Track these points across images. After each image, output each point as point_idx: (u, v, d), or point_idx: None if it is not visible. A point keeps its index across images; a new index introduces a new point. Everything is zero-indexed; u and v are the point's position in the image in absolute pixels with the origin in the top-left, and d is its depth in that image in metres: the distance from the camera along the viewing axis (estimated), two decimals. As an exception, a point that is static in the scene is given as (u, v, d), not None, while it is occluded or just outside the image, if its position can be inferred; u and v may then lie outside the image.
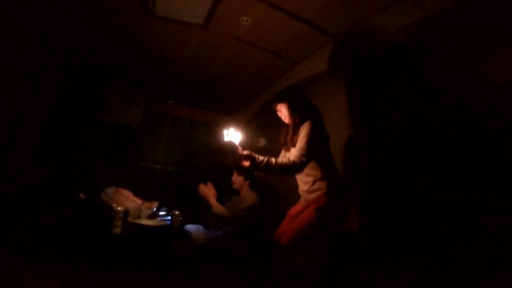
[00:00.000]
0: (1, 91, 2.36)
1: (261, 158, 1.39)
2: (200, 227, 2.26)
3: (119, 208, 1.65)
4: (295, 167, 1.38)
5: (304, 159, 1.38)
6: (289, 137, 1.56)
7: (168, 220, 2.09)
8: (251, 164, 1.37)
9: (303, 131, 1.46)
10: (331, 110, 2.00)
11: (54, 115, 3.16)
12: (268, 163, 1.37)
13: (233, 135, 1.48)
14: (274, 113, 1.72)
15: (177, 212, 2.01)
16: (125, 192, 2.00)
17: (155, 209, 2.08)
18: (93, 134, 3.47)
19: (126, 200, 1.92)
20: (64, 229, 1.56)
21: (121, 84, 3.43)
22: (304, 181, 1.53)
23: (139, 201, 1.97)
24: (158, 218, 2.10)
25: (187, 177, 3.70)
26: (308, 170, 1.47)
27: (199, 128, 4.18)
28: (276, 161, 1.39)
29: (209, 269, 1.77)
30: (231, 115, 4.07)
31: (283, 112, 1.64)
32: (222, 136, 1.49)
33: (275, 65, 2.67)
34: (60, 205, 1.85)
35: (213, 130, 4.11)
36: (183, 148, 4.03)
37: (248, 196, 2.30)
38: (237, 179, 2.40)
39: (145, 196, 2.13)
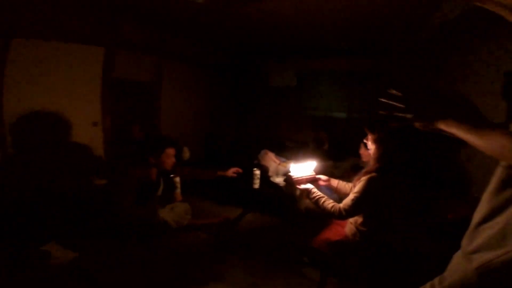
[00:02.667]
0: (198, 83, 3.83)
1: (315, 194, 1.55)
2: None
3: (255, 169, 2.38)
4: (336, 217, 1.48)
5: (344, 213, 1.43)
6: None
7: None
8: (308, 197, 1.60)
9: (358, 186, 1.44)
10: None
11: (236, 90, 4.52)
12: (317, 201, 1.53)
13: (297, 170, 1.68)
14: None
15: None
16: (270, 154, 2.82)
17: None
18: (266, 98, 4.59)
19: (270, 160, 2.74)
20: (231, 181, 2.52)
21: (278, 56, 4.15)
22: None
23: (277, 161, 2.72)
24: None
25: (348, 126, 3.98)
26: None
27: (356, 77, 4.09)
28: (324, 202, 1.51)
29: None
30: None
31: (369, 143, 1.55)
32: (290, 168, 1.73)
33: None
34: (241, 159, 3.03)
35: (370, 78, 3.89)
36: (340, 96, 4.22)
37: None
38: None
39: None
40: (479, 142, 0.59)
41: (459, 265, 0.71)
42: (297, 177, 1.64)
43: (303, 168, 1.71)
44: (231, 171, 2.38)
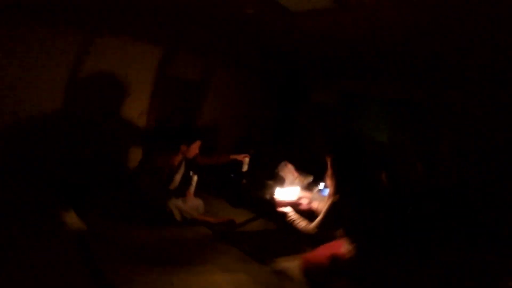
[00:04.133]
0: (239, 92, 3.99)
1: (290, 217, 1.80)
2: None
3: (269, 181, 2.52)
4: (309, 234, 1.67)
5: (316, 230, 1.63)
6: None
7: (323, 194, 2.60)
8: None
9: (326, 205, 1.61)
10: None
11: (278, 105, 4.60)
12: (292, 222, 1.77)
13: (282, 193, 1.98)
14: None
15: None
16: (290, 166, 2.78)
17: (309, 183, 2.66)
18: (306, 114, 4.55)
19: (288, 172, 2.71)
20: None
21: (321, 72, 4.12)
22: None
23: (296, 175, 2.66)
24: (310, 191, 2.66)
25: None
26: None
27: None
28: (298, 223, 1.74)
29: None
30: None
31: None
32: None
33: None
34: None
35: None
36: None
37: None
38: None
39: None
40: None
41: None
42: (280, 200, 1.93)
43: (288, 193, 2.02)
44: (243, 155, 2.80)
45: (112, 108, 2.92)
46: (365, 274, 1.58)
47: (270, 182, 2.49)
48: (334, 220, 1.60)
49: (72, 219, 1.95)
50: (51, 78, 2.45)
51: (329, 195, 1.68)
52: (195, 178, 2.59)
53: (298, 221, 1.75)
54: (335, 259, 1.57)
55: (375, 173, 2.12)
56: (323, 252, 1.70)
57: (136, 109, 3.07)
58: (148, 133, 3.13)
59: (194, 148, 2.44)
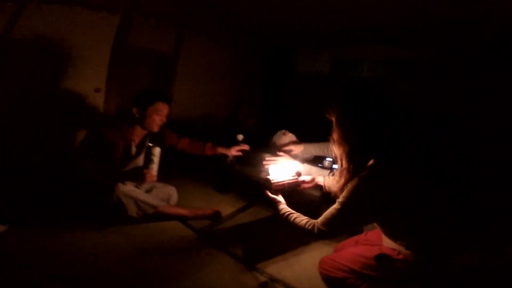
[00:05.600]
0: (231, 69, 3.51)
1: (284, 209, 1.23)
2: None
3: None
4: (314, 235, 1.07)
5: (325, 229, 1.05)
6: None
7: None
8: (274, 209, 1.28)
9: (345, 192, 1.01)
10: None
11: (266, 79, 4.15)
12: (287, 218, 1.18)
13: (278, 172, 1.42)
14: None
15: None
16: (290, 134, 2.36)
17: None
18: (293, 86, 4.14)
19: (289, 143, 2.28)
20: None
21: (308, 42, 3.73)
22: None
23: (300, 146, 2.23)
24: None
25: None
26: None
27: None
28: (295, 218, 1.15)
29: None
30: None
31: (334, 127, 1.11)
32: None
33: None
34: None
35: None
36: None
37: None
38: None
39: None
40: None
41: None
42: (277, 182, 1.36)
43: (285, 170, 1.47)
44: (235, 149, 2.09)
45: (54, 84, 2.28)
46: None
47: (265, 155, 1.85)
48: (358, 212, 1.00)
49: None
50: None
51: (342, 171, 1.07)
52: (157, 150, 1.65)
53: (294, 216, 1.17)
54: (371, 266, 1.06)
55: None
56: (351, 253, 1.19)
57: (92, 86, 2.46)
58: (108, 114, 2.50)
59: (155, 114, 1.68)
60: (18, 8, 1.95)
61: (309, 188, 1.56)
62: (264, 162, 1.78)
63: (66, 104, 2.28)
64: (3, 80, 1.96)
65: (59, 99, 2.25)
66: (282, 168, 1.52)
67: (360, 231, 1.45)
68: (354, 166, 1.01)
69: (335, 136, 1.08)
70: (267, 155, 1.88)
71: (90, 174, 1.56)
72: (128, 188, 1.61)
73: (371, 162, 1.00)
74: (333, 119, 1.09)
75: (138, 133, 1.77)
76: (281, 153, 1.90)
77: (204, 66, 3.40)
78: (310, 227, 1.08)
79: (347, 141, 1.02)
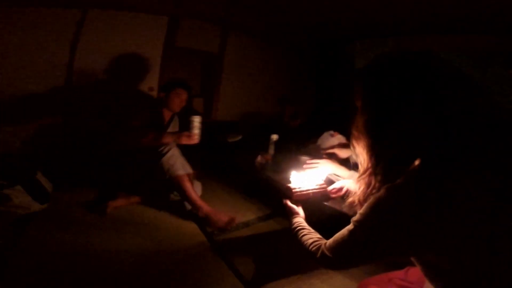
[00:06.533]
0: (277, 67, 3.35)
1: (297, 223, 0.98)
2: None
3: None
4: (317, 260, 0.77)
5: (331, 256, 0.71)
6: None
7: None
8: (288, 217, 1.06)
9: (364, 207, 0.62)
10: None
11: (316, 77, 3.85)
12: (296, 232, 0.94)
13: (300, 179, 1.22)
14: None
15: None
16: (339, 136, 2.06)
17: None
18: (349, 83, 3.73)
19: (335, 142, 2.00)
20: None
21: (367, 34, 3.31)
22: None
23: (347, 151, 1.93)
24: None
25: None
26: None
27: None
28: (303, 236, 0.89)
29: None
30: None
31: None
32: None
33: None
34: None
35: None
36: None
37: None
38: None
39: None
40: None
41: None
42: (299, 191, 1.14)
43: (310, 177, 1.26)
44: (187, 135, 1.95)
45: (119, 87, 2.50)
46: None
47: (304, 159, 1.64)
48: (383, 241, 0.59)
49: (20, 198, 1.48)
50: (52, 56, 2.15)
51: (365, 172, 0.66)
52: (198, 119, 1.86)
53: (304, 232, 0.91)
54: None
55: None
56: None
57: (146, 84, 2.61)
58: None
59: (176, 96, 2.05)
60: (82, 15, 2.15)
61: (337, 198, 1.27)
62: (305, 166, 1.54)
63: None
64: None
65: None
66: (311, 174, 1.31)
67: (402, 264, 1.04)
68: (384, 168, 0.61)
69: (357, 124, 0.69)
70: (307, 158, 1.64)
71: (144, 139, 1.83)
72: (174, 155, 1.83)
73: (416, 163, 0.59)
74: (358, 103, 0.71)
75: (166, 115, 2.14)
76: (324, 157, 1.64)
77: (249, 65, 3.33)
78: (314, 249, 0.79)
79: (372, 128, 0.63)
